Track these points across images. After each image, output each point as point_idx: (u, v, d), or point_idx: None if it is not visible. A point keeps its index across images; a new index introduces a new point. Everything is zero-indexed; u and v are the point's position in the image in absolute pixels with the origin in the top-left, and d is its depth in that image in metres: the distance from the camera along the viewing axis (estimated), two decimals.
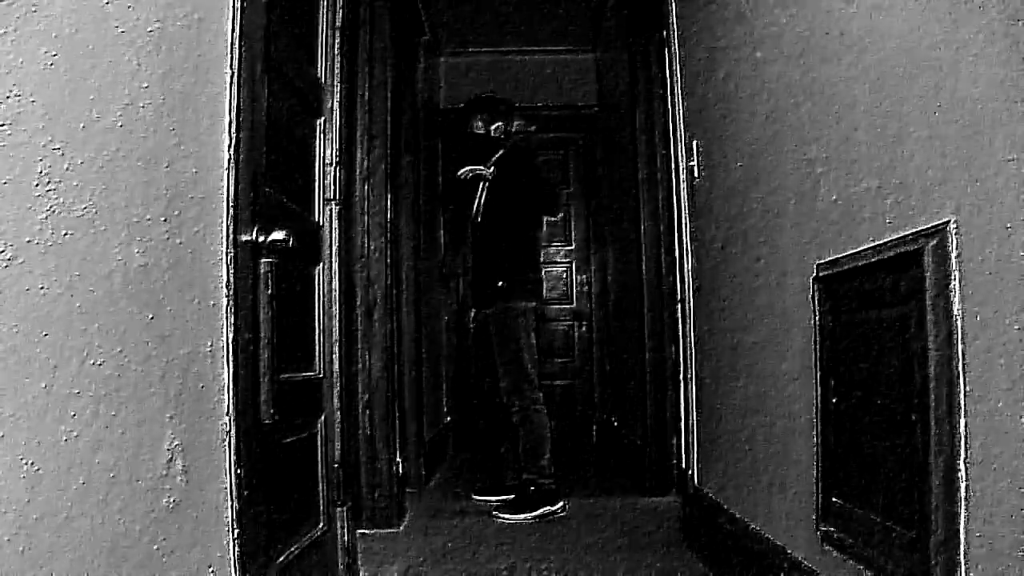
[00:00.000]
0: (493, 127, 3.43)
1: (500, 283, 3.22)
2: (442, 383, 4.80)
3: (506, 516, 3.08)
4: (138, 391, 1.02)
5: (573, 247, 5.33)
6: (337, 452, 2.01)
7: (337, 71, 2.08)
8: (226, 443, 1.31)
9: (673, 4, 2.69)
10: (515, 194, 3.31)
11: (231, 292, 1.32)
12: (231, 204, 1.33)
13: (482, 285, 3.33)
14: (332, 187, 2.04)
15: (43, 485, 0.81)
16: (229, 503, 1.31)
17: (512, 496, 3.26)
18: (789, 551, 1.67)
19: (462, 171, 3.38)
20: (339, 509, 2.01)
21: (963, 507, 1.00)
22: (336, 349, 2.03)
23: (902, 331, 1.15)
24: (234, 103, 1.34)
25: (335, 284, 2.05)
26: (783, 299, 1.71)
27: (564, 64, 5.15)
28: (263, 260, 1.46)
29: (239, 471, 1.32)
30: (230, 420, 1.32)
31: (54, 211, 0.84)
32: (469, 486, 3.62)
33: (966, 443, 1.00)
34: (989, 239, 0.96)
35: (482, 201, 3.35)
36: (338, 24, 2.08)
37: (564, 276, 5.32)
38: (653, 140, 3.34)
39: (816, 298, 1.48)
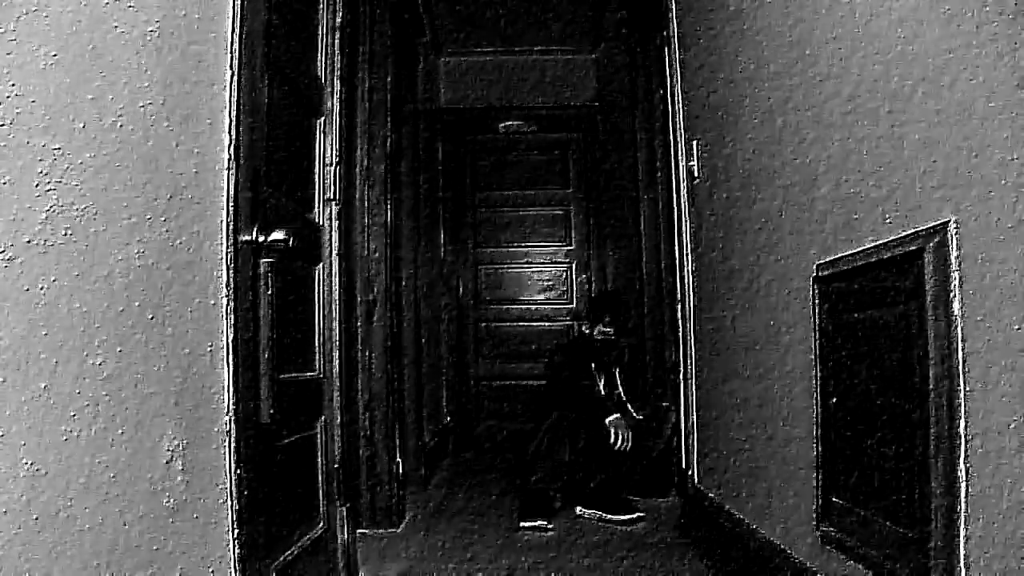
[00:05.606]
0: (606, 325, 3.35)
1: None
2: (442, 383, 4.79)
3: (612, 517, 3.00)
4: (138, 391, 1.02)
5: (573, 247, 5.33)
6: (337, 452, 2.01)
7: (337, 71, 2.08)
8: (226, 443, 1.31)
9: (673, 4, 2.69)
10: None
11: (231, 292, 1.32)
12: (231, 204, 1.33)
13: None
14: (332, 187, 2.04)
15: (43, 485, 0.81)
16: (229, 503, 1.31)
17: (601, 496, 3.13)
18: (789, 551, 1.67)
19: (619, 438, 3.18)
20: (339, 509, 2.01)
21: (963, 507, 1.00)
22: (336, 349, 2.03)
23: (902, 331, 1.15)
24: (234, 103, 1.34)
25: (335, 284, 2.05)
26: (783, 299, 1.71)
27: (564, 64, 5.15)
28: (263, 260, 1.46)
29: (239, 471, 1.32)
30: (230, 420, 1.32)
31: (54, 211, 0.84)
32: (468, 487, 3.61)
33: (966, 443, 1.00)
34: (989, 239, 0.96)
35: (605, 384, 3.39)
36: (338, 24, 2.08)
37: (564, 276, 5.31)
38: (653, 140, 3.34)
39: (816, 298, 1.48)
